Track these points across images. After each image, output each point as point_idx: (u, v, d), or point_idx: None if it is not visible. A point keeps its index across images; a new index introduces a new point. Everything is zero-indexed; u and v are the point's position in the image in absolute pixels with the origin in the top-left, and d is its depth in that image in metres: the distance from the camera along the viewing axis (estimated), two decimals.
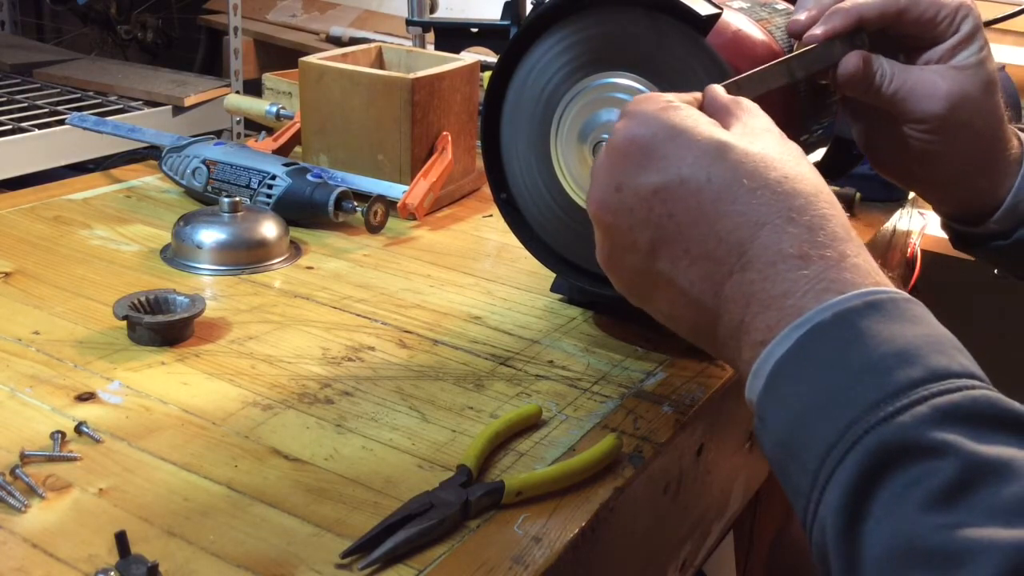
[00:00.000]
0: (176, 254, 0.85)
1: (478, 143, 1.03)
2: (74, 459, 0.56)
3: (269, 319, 0.75)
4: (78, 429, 0.58)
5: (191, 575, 0.47)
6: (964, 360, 0.44)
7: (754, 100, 0.60)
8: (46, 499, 0.52)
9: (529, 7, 1.10)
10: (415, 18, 1.32)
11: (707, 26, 0.63)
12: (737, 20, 0.65)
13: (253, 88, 1.89)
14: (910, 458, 0.40)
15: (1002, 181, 0.68)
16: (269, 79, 1.23)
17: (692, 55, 0.64)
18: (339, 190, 0.92)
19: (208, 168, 0.97)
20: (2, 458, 0.55)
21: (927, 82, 0.64)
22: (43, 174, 1.69)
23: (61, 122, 1.75)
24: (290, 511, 0.53)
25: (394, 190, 0.97)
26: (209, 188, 0.97)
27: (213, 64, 2.55)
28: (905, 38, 0.65)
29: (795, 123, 0.66)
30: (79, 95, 2.00)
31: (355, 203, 0.93)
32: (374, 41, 1.23)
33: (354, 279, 0.84)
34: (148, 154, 1.48)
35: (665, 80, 0.66)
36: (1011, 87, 1.17)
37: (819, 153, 0.74)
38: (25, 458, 0.55)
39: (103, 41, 2.62)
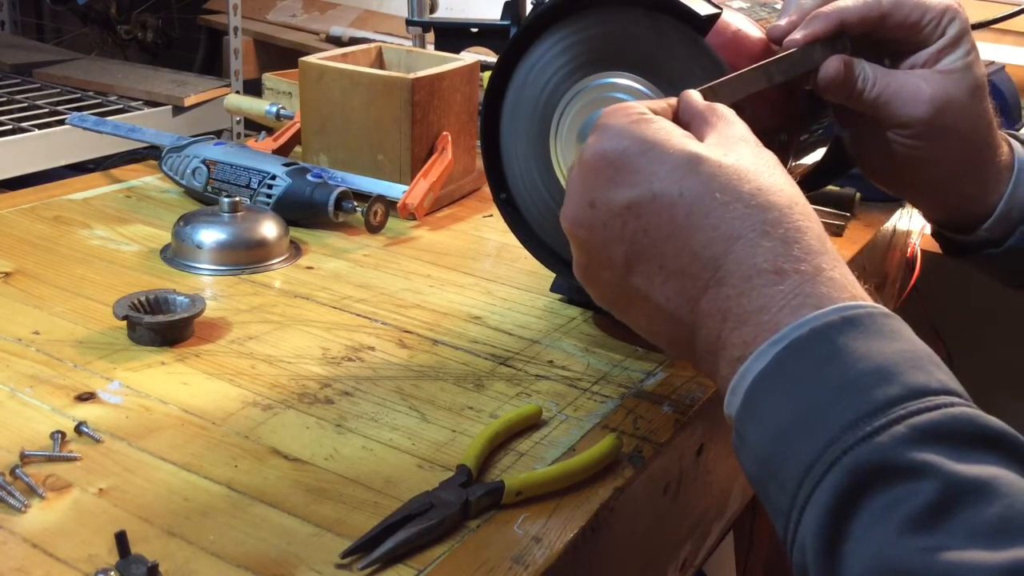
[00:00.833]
0: (176, 254, 0.85)
1: (478, 143, 1.03)
2: (74, 459, 0.56)
3: (269, 319, 0.75)
4: (78, 429, 0.58)
5: (191, 575, 0.48)
6: (942, 376, 0.44)
7: (753, 99, 0.60)
8: (46, 499, 0.52)
9: (529, 7, 1.10)
10: (415, 18, 1.32)
11: (707, 26, 0.63)
12: (737, 20, 0.65)
13: (253, 88, 1.89)
14: (889, 479, 0.40)
15: (993, 188, 0.67)
16: (269, 79, 1.23)
17: (692, 55, 0.64)
18: (339, 190, 0.92)
19: (208, 168, 0.97)
20: (2, 458, 0.55)
21: (911, 86, 0.62)
22: (43, 174, 1.69)
23: (61, 122, 1.75)
24: (290, 511, 0.53)
25: (394, 190, 0.97)
26: (209, 188, 0.97)
27: (213, 64, 2.55)
28: (890, 42, 0.64)
29: (795, 123, 0.66)
30: (79, 95, 2.00)
31: (355, 203, 0.93)
32: (374, 41, 1.23)
33: (354, 279, 0.84)
34: (148, 154, 1.47)
35: (664, 80, 0.66)
36: (1011, 87, 1.17)
37: (819, 153, 0.74)
38: (25, 458, 0.55)
39: (103, 41, 2.62)
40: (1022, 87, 1.22)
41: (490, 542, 0.51)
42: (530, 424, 0.62)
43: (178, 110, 1.96)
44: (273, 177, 0.94)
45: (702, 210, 0.49)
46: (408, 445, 0.60)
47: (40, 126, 1.76)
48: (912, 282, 1.27)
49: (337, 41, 2.20)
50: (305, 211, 0.93)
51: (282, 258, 0.86)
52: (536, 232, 0.77)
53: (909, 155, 0.64)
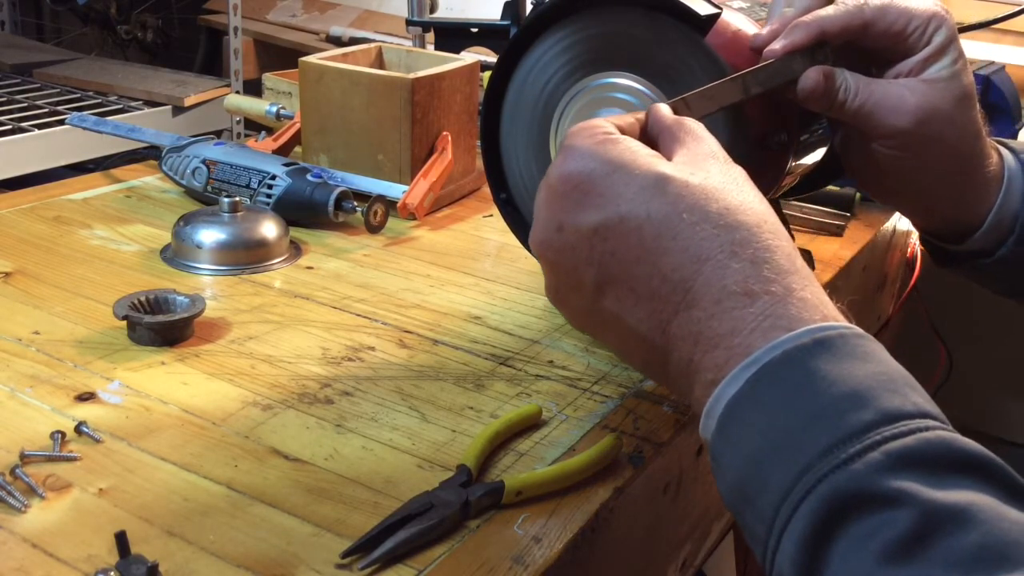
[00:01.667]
0: (176, 254, 0.85)
1: (478, 143, 1.03)
2: (74, 459, 0.56)
3: (269, 319, 0.75)
4: (78, 429, 0.58)
5: (191, 575, 0.48)
6: (918, 398, 0.43)
7: (753, 99, 0.60)
8: (46, 499, 0.52)
9: (529, 7, 1.10)
10: (415, 18, 1.32)
11: (706, 26, 0.63)
12: (737, 20, 0.65)
13: (253, 88, 1.89)
14: (866, 508, 0.39)
15: (982, 198, 0.66)
16: (269, 79, 1.23)
17: (691, 55, 0.64)
18: (339, 190, 0.92)
19: (208, 168, 0.97)
20: (2, 458, 0.55)
21: (894, 96, 0.61)
22: (43, 174, 1.69)
23: (61, 122, 1.75)
24: (290, 511, 0.53)
25: (394, 190, 0.97)
26: (209, 188, 0.97)
27: (213, 64, 2.55)
28: (875, 50, 0.63)
29: (795, 122, 0.66)
30: (79, 95, 2.00)
31: (355, 203, 0.93)
32: (374, 41, 1.23)
33: (354, 279, 0.84)
34: (148, 154, 1.48)
35: (664, 80, 0.66)
36: (1011, 87, 1.17)
37: (819, 153, 0.74)
38: (25, 458, 0.55)
39: (103, 41, 2.62)
40: (1022, 87, 1.22)
41: (490, 542, 0.51)
42: (530, 424, 0.62)
43: (178, 110, 1.96)
44: (273, 177, 0.94)
45: (670, 232, 0.48)
46: (408, 445, 0.60)
47: (40, 126, 1.76)
48: (912, 282, 1.27)
49: (337, 41, 2.19)
50: (305, 211, 0.93)
51: (282, 258, 0.86)
52: None
53: (894, 164, 0.63)
